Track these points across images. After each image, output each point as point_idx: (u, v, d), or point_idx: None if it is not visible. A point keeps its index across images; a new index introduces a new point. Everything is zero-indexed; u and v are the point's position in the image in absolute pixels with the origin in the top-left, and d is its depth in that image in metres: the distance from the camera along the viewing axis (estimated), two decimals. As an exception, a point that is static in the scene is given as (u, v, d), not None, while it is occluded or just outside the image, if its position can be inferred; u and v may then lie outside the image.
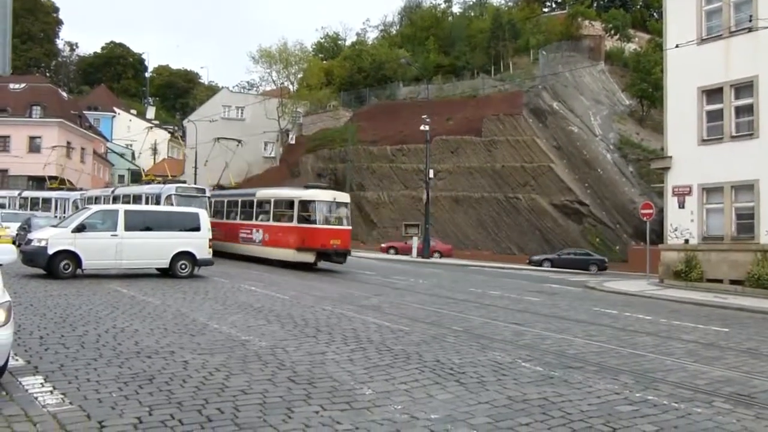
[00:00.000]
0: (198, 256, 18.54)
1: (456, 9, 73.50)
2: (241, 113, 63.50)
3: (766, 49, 20.62)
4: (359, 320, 11.59)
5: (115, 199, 30.29)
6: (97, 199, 32.72)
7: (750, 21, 21.09)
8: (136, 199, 28.57)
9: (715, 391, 7.32)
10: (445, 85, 54.95)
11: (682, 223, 23.34)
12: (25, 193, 43.65)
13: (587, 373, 8.01)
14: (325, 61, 70.93)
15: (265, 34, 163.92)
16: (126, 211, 18.11)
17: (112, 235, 17.20)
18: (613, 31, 58.68)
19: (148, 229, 18.10)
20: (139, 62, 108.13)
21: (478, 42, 59.45)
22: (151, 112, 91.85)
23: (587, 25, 58.88)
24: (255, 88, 75.91)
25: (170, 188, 26.81)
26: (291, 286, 17.36)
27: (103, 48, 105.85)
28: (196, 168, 49.12)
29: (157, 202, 26.06)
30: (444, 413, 5.94)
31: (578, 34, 57.50)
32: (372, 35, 79.60)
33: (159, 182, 30.46)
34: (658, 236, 26.29)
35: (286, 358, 7.98)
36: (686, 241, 23.12)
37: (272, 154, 63.30)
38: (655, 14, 62.45)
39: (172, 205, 24.85)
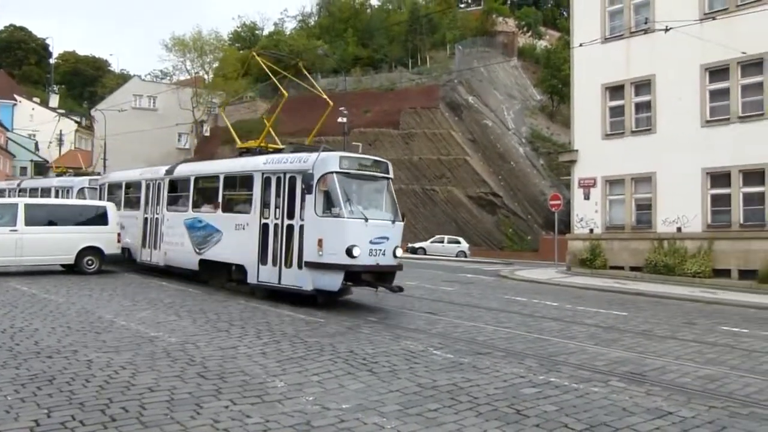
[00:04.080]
0: (106, 252, 17.80)
1: (374, 1, 73.68)
2: (154, 103, 61.33)
3: (662, 50, 21.88)
4: (274, 313, 11.53)
5: (22, 193, 28.26)
6: (1, 193, 30.67)
7: (646, 23, 22.33)
8: (45, 192, 26.81)
9: (611, 371, 7.77)
10: (364, 77, 55.07)
11: (588, 214, 24.49)
12: None
13: (495, 358, 8.32)
14: (241, 51, 69.46)
15: (179, 22, 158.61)
16: (26, 205, 17.19)
17: (11, 230, 16.29)
18: (525, 29, 60.55)
19: (51, 223, 17.23)
20: (42, 48, 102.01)
21: (396, 35, 59.88)
22: (54, 100, 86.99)
23: (501, 22, 60.47)
24: (168, 77, 73.42)
25: (83, 180, 25.46)
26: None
27: (1, 32, 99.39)
28: (105, 159, 47.07)
29: (69, 196, 24.68)
30: (355, 402, 6.02)
31: (493, 30, 58.95)
32: (290, 25, 78.61)
33: (70, 174, 28.89)
34: (566, 226, 27.46)
35: (196, 354, 7.84)
36: (591, 230, 24.29)
37: (186, 146, 61.52)
38: (564, 13, 64.81)
39: (84, 198, 23.64)
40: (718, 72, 21.28)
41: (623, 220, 23.59)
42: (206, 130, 60.28)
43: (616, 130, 23.93)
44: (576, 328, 11.27)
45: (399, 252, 12.43)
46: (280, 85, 16.08)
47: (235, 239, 13.90)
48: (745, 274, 20.04)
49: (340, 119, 39.48)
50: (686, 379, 7.56)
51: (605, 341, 10.05)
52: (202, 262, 15.23)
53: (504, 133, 46.34)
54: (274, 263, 12.72)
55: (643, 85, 23.24)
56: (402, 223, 12.71)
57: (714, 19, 20.69)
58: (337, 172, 12.12)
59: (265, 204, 13.18)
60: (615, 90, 24.08)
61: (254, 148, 15.45)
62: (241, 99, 60.34)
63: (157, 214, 17.60)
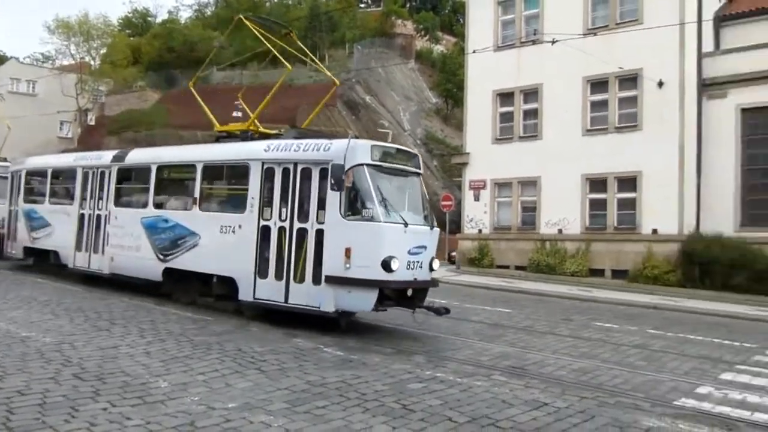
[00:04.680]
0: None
1: (274, -5, 72.53)
2: (33, 88, 57.22)
3: (549, 61, 23.03)
4: (159, 311, 11.12)
5: None
6: None
7: (535, 35, 23.46)
8: None
9: (494, 366, 8.13)
10: (261, 72, 54.15)
11: (477, 215, 25.40)
12: None
13: (384, 355, 8.47)
14: (132, 38, 66.25)
15: (63, 3, 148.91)
16: None
17: None
18: (423, 32, 61.73)
19: None
20: None
21: (295, 31, 59.33)
22: None
23: (400, 24, 61.35)
24: (51, 62, 68.80)
25: None
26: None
27: None
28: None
29: None
30: (242, 401, 5.93)
31: (391, 32, 59.69)
32: (185, 14, 75.94)
33: None
34: (458, 226, 28.32)
35: (73, 355, 7.43)
36: (480, 231, 25.19)
37: (69, 135, 57.91)
38: (461, 19, 66.72)
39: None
40: (598, 84, 22.68)
41: (510, 222, 24.65)
42: (91, 119, 57.01)
43: (506, 135, 24.96)
44: (464, 325, 11.67)
45: (436, 264, 10.41)
46: (282, 59, 13.72)
47: (220, 245, 11.04)
48: (617, 274, 21.52)
49: (234, 113, 38.58)
50: (562, 372, 8.05)
51: (490, 337, 10.49)
52: (167, 271, 12.09)
53: (400, 133, 47.05)
54: (279, 277, 10.06)
55: (531, 94, 24.37)
56: (438, 230, 10.71)
57: (596, 34, 22.02)
58: (368, 165, 9.79)
59: (266, 202, 10.47)
60: (505, 97, 25.09)
61: (241, 131, 12.56)
62: (130, 88, 57.62)
63: (101, 210, 14.08)
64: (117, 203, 13.83)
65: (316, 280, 9.69)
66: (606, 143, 22.18)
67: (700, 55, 21.21)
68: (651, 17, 21.14)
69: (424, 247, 10.04)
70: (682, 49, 21.06)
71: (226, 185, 12.04)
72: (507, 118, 25.06)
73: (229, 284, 10.91)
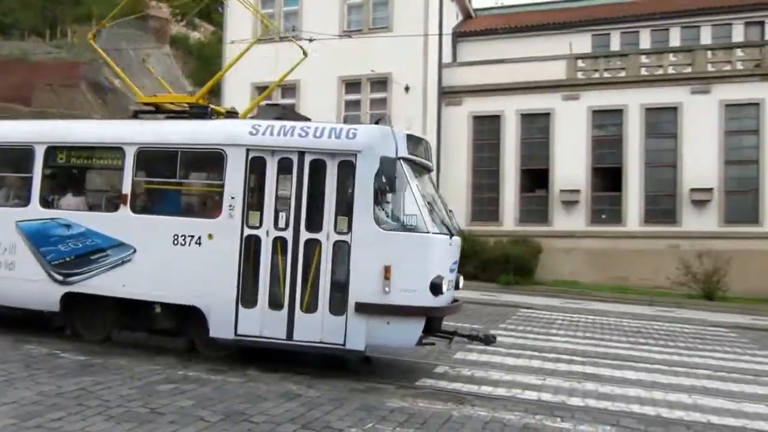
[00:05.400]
0: None
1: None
2: None
3: (307, 58, 23.57)
4: None
5: None
6: None
7: (294, 31, 23.84)
8: None
9: (250, 361, 8.10)
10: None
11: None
12: None
13: (130, 357, 7.98)
14: None
15: None
16: None
17: None
18: (180, 17, 58.99)
19: None
20: None
21: (31, 0, 52.62)
22: None
23: (155, 6, 57.85)
24: None
25: None
26: None
27: None
28: None
29: None
30: (-46, 422, 5.15)
31: (145, 13, 56.01)
32: None
33: None
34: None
35: None
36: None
37: None
38: (220, 8, 65.10)
39: None
40: (352, 85, 23.83)
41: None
42: None
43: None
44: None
45: (461, 282, 8.70)
46: None
47: (173, 261, 8.12)
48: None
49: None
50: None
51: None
52: (70, 297, 8.64)
53: (154, 122, 44.53)
54: (276, 305, 7.66)
55: (290, 89, 24.71)
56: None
57: (351, 37, 23.09)
58: (404, 159, 7.72)
59: (252, 204, 7.94)
60: (264, 90, 25.08)
61: (191, 106, 9.25)
62: None
63: None
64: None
65: (337, 308, 7.51)
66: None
67: (441, 65, 23.45)
68: (400, 26, 22.78)
69: (456, 262, 8.41)
70: (425, 58, 23.06)
71: (182, 179, 8.89)
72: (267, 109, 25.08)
73: (184, 315, 8.27)
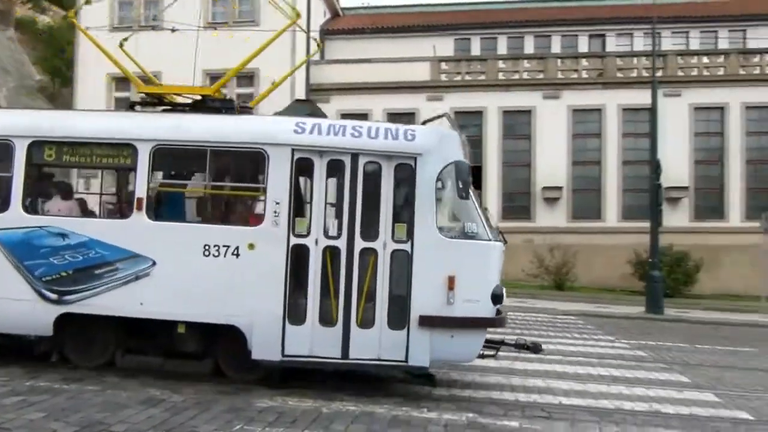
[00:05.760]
0: None
1: None
2: None
3: (168, 49, 22.55)
4: None
5: None
6: None
7: (155, 20, 22.79)
8: None
9: (108, 369, 7.64)
10: None
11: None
12: None
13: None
14: None
15: None
16: None
17: None
18: (24, -2, 54.28)
19: None
20: None
21: None
22: None
23: (-6, -16, 52.80)
24: None
25: None
26: None
27: None
28: None
29: None
30: None
31: (-18, -9, 50.97)
32: None
33: None
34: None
35: None
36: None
37: None
38: (70, -10, 60.77)
39: None
40: (218, 78, 23.08)
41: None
42: None
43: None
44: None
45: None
46: None
47: (204, 275, 7.19)
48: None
49: None
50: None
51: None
52: (66, 319, 7.38)
53: None
54: (327, 320, 7.08)
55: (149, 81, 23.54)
56: None
57: (216, 29, 22.38)
58: (461, 163, 7.17)
59: (298, 210, 7.40)
60: (121, 81, 23.72)
61: (211, 99, 8.21)
62: None
63: None
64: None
65: (396, 322, 7.07)
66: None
67: (308, 62, 23.37)
68: (266, 21, 22.41)
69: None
70: (293, 54, 22.91)
71: (213, 181, 7.84)
72: (124, 104, 23.75)
73: (209, 336, 7.42)
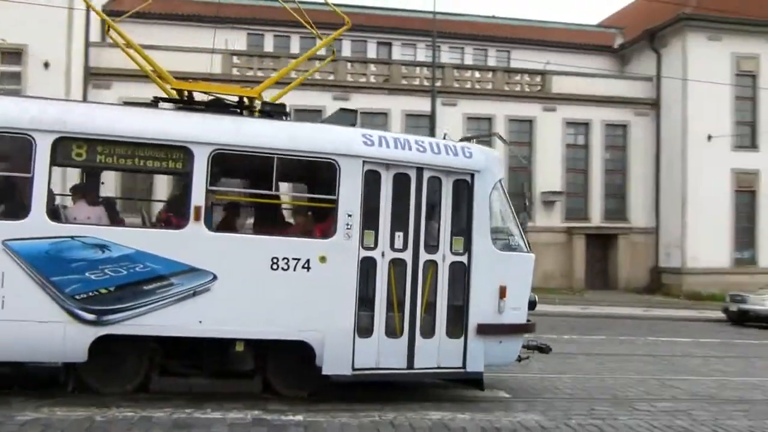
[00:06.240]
0: None
1: None
2: None
3: None
4: None
5: None
6: None
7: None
8: None
9: None
10: None
11: None
12: None
13: None
14: None
15: None
16: None
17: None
18: None
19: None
20: None
21: None
22: None
23: None
24: None
25: None
26: None
27: None
28: None
29: None
30: None
31: None
32: None
33: None
34: None
35: None
36: None
37: None
38: None
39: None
40: None
41: None
42: None
43: None
44: None
45: None
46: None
47: (271, 290, 6.82)
48: None
49: None
50: None
51: None
52: (102, 343, 6.43)
53: None
54: (393, 332, 7.18)
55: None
56: None
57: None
58: (501, 180, 8.01)
59: (365, 222, 7.14)
60: None
61: (251, 103, 7.78)
62: None
63: None
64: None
65: (453, 331, 7.40)
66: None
67: (87, 44, 21.67)
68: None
69: None
70: (69, 33, 21.10)
71: (273, 191, 7.40)
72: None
73: (282, 354, 7.15)
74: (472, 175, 7.60)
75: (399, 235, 7.35)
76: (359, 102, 24.62)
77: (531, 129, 26.27)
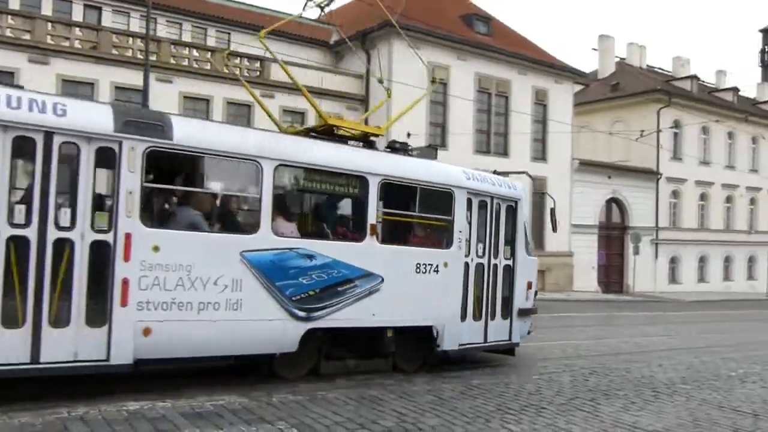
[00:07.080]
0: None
1: None
2: None
3: None
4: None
5: None
6: None
7: None
8: None
9: None
10: None
11: None
12: None
13: None
14: None
15: None
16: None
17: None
18: None
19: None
20: None
21: None
22: None
23: None
24: None
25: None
26: None
27: None
28: None
29: None
30: None
31: None
32: None
33: None
34: None
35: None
36: None
37: None
38: None
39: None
40: None
41: None
42: None
43: None
44: None
45: None
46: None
47: (414, 288, 9.15)
48: None
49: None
50: None
51: None
52: (310, 335, 8.18)
53: None
54: (477, 316, 10.01)
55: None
56: None
57: None
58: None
59: (465, 237, 9.85)
60: None
61: (365, 135, 9.77)
62: None
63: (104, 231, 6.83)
64: (151, 219, 7.29)
65: (504, 314, 10.42)
66: None
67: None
68: None
69: None
70: None
71: (416, 212, 9.55)
72: None
73: (408, 337, 9.25)
74: (516, 202, 10.60)
75: (480, 246, 10.01)
76: (60, 67, 22.34)
77: (249, 114, 26.40)
